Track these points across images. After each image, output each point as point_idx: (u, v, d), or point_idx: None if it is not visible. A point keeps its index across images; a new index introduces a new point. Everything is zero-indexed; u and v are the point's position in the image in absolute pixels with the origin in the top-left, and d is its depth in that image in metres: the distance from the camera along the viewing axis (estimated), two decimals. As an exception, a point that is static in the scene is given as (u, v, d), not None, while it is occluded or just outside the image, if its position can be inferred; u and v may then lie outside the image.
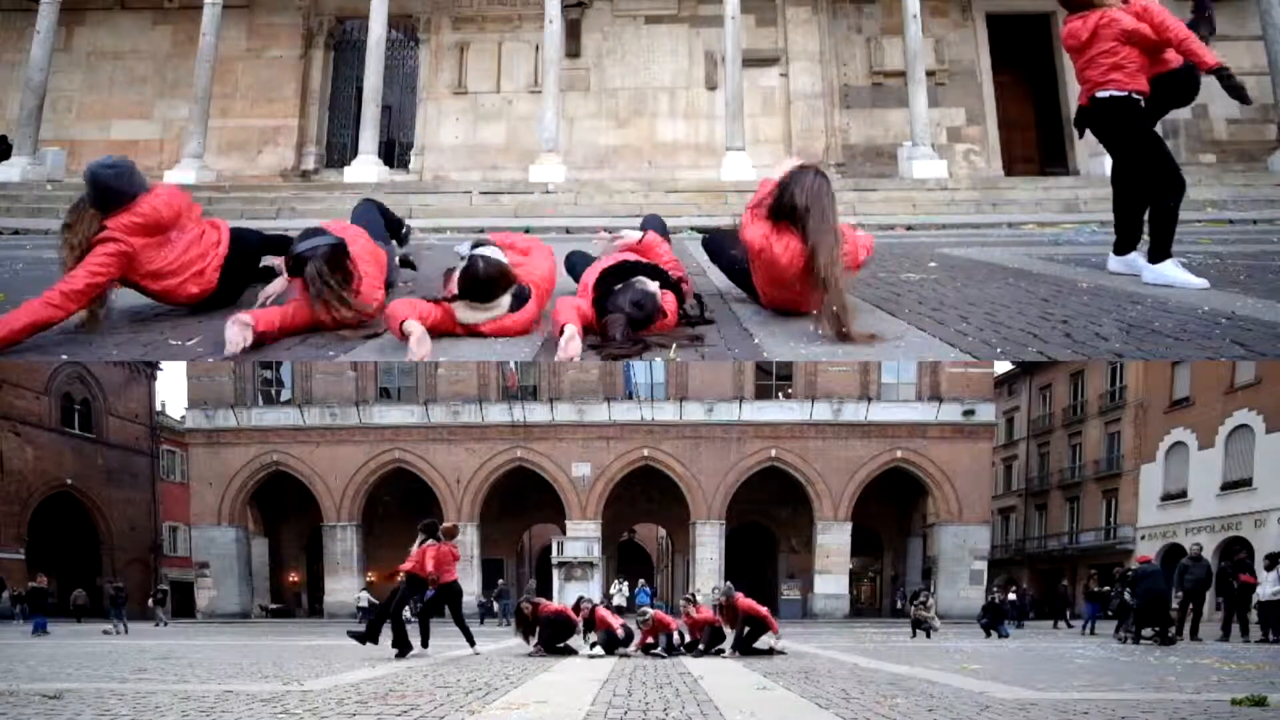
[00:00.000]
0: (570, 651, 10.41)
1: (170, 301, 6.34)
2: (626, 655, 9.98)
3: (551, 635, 10.55)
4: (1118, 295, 6.67)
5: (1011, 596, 26.96)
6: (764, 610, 10.62)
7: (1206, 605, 16.05)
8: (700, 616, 10.76)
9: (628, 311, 5.43)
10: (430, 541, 10.02)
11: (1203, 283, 6.85)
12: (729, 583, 11.34)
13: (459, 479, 31.37)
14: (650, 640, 10.47)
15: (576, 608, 11.13)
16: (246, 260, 6.63)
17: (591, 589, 28.93)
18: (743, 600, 10.53)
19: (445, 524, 10.80)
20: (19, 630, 20.13)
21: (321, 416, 31.62)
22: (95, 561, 35.70)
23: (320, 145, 28.46)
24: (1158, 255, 7.13)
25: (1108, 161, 25.03)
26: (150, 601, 25.36)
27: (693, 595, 11.23)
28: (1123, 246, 7.59)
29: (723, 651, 10.19)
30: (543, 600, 11.25)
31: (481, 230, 17.99)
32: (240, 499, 32.16)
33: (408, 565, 9.95)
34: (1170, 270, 7.03)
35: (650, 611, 10.87)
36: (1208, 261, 8.50)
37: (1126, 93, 6.87)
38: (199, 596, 32.63)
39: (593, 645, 10.38)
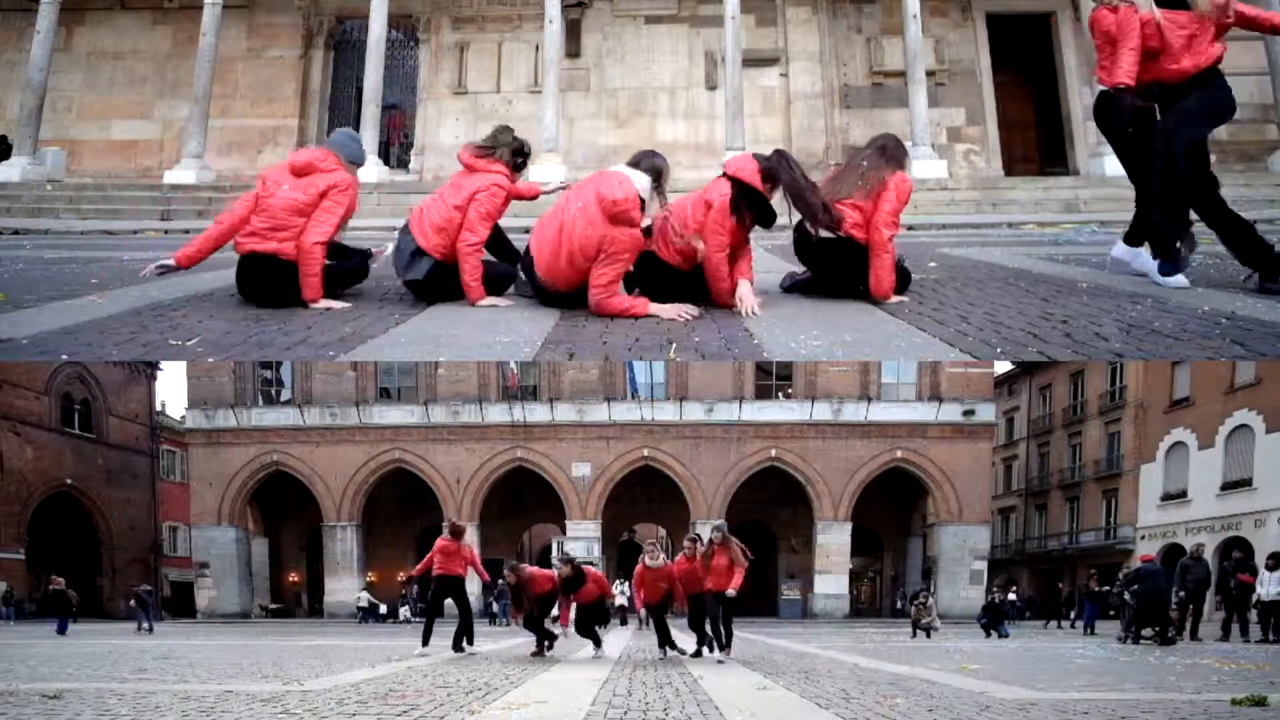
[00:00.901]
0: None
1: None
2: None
3: (541, 608, 9.83)
4: (1118, 295, 6.67)
5: (1011, 596, 26.93)
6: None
7: (1206, 605, 16.05)
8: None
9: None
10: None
11: (1181, 281, 6.93)
12: (723, 521, 10.21)
13: (459, 479, 31.37)
14: (655, 603, 9.68)
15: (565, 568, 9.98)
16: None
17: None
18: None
19: (454, 522, 10.81)
20: (17, 630, 20.15)
21: (321, 416, 31.62)
22: (95, 561, 35.71)
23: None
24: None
25: (1108, 162, 25.00)
26: (134, 602, 25.13)
27: (699, 535, 9.87)
28: (1134, 238, 7.57)
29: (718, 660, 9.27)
30: (527, 567, 10.13)
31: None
32: (240, 499, 32.16)
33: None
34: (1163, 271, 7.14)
35: (662, 556, 9.93)
36: (1207, 261, 8.49)
37: (1106, 89, 6.97)
38: (199, 596, 32.64)
39: (597, 648, 9.79)
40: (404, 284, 6.98)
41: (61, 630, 18.16)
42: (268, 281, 6.61)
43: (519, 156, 6.99)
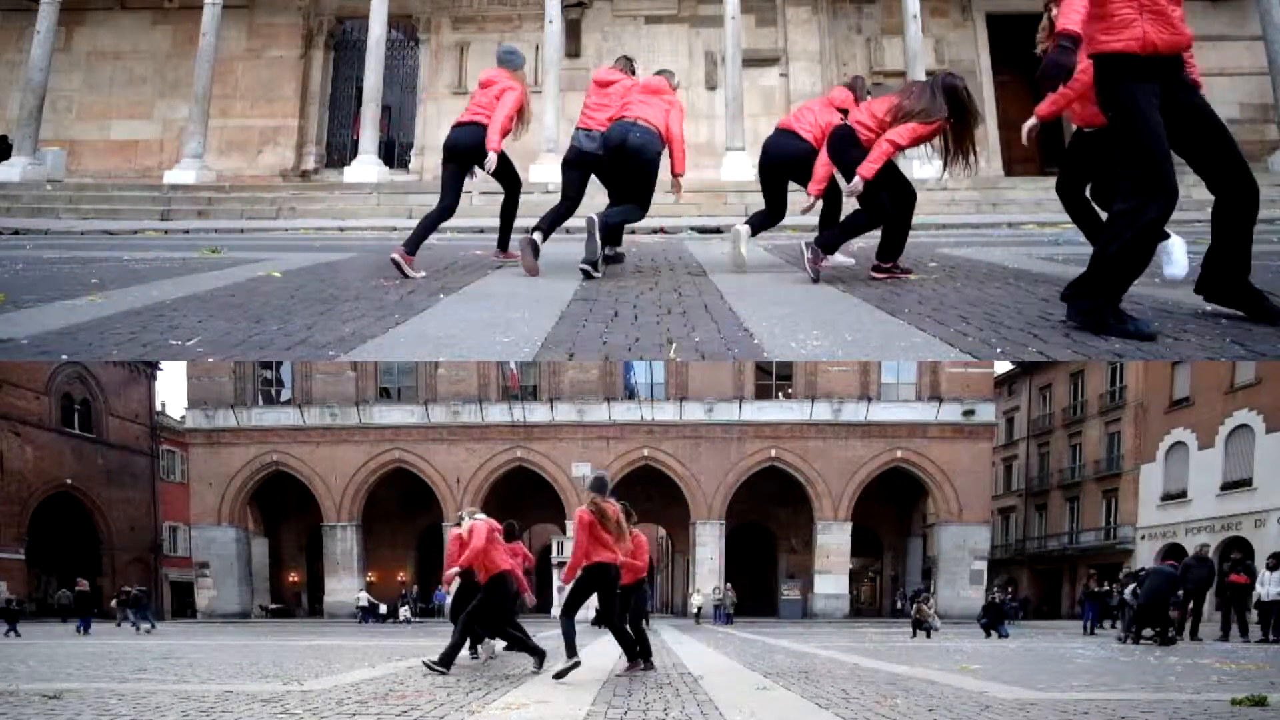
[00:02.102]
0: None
1: None
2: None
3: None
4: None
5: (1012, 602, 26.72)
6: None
7: (1207, 605, 16.04)
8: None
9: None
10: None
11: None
12: (601, 474, 7.01)
13: (459, 479, 31.37)
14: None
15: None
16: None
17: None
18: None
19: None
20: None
21: (321, 416, 31.62)
22: (95, 561, 35.70)
23: (320, 145, 28.46)
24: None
25: (1108, 161, 24.59)
26: (114, 602, 24.93)
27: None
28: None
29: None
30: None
31: (481, 231, 18.00)
32: (240, 499, 32.16)
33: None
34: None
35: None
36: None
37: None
38: (199, 596, 32.63)
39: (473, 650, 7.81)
40: (637, 154, 8.78)
41: (83, 629, 18.88)
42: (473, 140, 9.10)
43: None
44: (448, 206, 9.11)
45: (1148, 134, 5.01)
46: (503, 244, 10.48)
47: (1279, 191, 21.56)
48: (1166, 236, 7.20)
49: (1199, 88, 5.48)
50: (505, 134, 9.11)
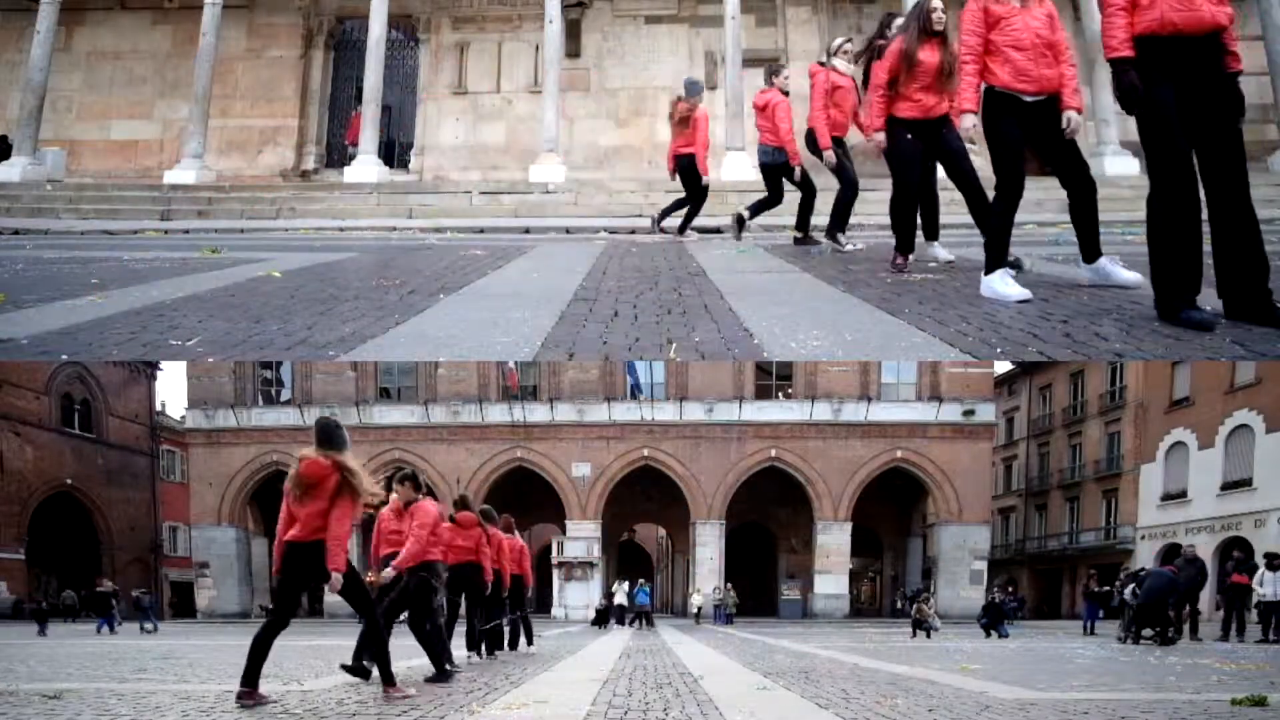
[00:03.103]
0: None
1: None
2: None
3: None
4: (1118, 295, 6.67)
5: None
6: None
7: (1206, 605, 16.05)
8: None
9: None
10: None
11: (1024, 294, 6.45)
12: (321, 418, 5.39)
13: (459, 479, 31.37)
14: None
15: None
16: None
17: (591, 589, 28.90)
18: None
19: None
20: (16, 630, 20.13)
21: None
22: (95, 561, 35.73)
23: (320, 145, 28.45)
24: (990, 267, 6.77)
25: (1108, 161, 24.94)
26: (113, 601, 25.09)
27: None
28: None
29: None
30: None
31: (481, 231, 18.01)
32: (240, 499, 32.17)
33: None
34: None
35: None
36: (1207, 262, 8.49)
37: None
38: (199, 596, 32.65)
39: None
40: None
41: (106, 628, 19.47)
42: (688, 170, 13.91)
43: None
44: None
45: (1151, 130, 5.32)
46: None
47: (1278, 191, 21.57)
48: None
49: (1236, 65, 5.67)
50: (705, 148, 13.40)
